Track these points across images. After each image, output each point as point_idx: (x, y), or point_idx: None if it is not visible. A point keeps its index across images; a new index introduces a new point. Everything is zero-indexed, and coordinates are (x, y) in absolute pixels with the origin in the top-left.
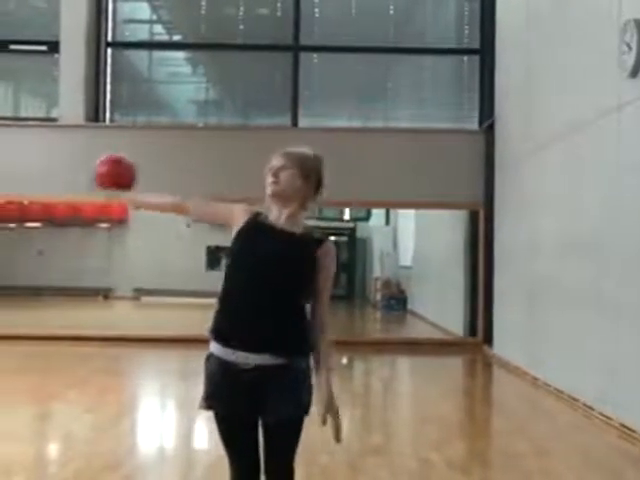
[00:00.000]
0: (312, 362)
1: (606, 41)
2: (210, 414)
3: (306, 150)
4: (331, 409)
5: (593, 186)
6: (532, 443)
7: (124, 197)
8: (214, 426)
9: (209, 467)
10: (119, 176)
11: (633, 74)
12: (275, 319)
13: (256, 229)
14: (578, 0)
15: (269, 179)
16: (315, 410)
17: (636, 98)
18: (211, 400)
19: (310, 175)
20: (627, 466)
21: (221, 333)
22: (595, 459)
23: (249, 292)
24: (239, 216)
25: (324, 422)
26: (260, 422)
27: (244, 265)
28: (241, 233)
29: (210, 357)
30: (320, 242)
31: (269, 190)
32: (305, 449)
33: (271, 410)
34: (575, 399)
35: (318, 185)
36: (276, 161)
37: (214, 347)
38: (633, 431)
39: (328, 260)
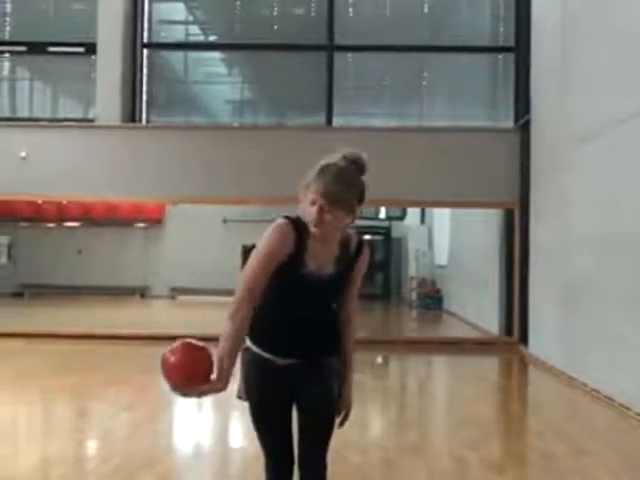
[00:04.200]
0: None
1: None
2: (245, 409)
3: (349, 174)
4: (346, 406)
5: (632, 183)
6: (568, 443)
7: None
8: (249, 422)
9: (245, 464)
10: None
11: None
12: (317, 330)
13: (304, 252)
14: None
15: (312, 213)
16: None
17: None
18: (248, 391)
19: (355, 206)
20: None
21: (261, 343)
22: (632, 459)
23: (295, 312)
24: (284, 246)
25: (339, 414)
26: (295, 413)
27: (296, 290)
28: (293, 257)
29: (247, 350)
30: (359, 247)
31: (313, 227)
32: (339, 447)
33: (304, 401)
34: (612, 399)
35: (361, 198)
36: (316, 196)
37: (250, 344)
38: None
39: (365, 261)
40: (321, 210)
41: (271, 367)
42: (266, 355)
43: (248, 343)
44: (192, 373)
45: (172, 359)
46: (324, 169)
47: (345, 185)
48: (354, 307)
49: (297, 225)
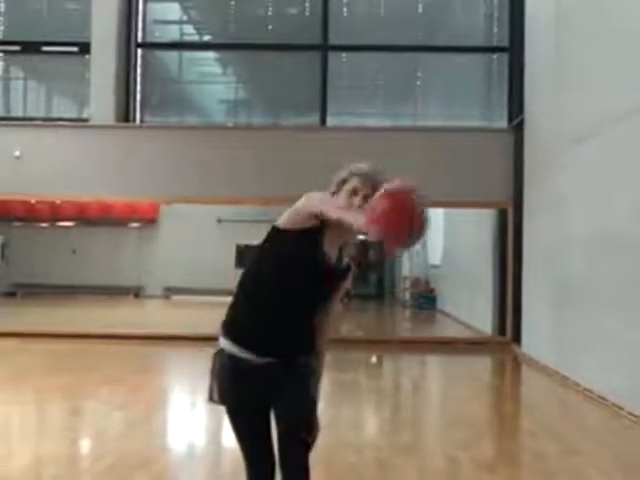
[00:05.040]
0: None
1: (639, 36)
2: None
3: (380, 178)
4: (315, 429)
5: (625, 183)
6: (561, 442)
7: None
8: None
9: (239, 464)
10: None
11: None
12: (298, 330)
13: (324, 234)
14: None
15: (356, 201)
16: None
17: None
18: (223, 395)
19: None
20: None
21: (239, 337)
22: (624, 458)
23: (288, 307)
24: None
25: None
26: (273, 414)
27: (296, 281)
28: (314, 231)
29: (220, 352)
30: (348, 267)
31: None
32: (334, 447)
33: (283, 402)
34: (604, 398)
35: None
36: (361, 185)
37: (225, 344)
38: None
39: (350, 279)
40: (365, 198)
41: (247, 367)
42: (242, 355)
43: (222, 344)
44: (401, 212)
45: (380, 208)
46: (360, 170)
47: (380, 185)
48: (335, 309)
49: None
